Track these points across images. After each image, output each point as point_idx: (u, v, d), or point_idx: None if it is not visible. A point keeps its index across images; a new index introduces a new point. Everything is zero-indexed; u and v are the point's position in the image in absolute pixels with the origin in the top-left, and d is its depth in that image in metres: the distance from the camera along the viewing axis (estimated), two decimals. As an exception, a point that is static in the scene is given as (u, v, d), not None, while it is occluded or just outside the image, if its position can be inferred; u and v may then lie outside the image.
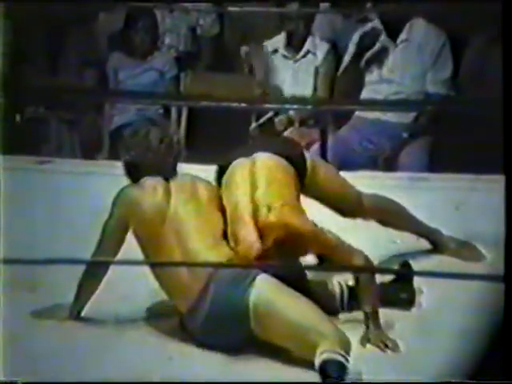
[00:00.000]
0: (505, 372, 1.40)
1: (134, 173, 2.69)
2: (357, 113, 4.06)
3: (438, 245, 3.00)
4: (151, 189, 2.60)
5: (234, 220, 2.60)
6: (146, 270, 2.59)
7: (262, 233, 2.56)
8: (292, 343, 2.44)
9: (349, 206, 2.85)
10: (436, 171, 3.84)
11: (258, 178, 2.67)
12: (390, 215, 2.92)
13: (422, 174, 3.84)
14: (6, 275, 2.69)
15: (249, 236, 2.54)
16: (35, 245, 2.79)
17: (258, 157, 2.73)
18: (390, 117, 4.05)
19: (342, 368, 2.31)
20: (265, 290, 2.47)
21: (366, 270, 2.67)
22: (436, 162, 4.01)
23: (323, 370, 2.32)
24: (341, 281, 2.71)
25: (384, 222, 2.93)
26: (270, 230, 2.56)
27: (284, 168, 2.72)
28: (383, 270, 2.75)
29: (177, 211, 2.57)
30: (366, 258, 2.56)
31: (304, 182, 2.77)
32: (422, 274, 2.81)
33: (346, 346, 2.36)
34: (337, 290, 2.69)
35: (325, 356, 2.33)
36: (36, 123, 4.23)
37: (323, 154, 4.07)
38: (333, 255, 2.56)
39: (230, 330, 2.49)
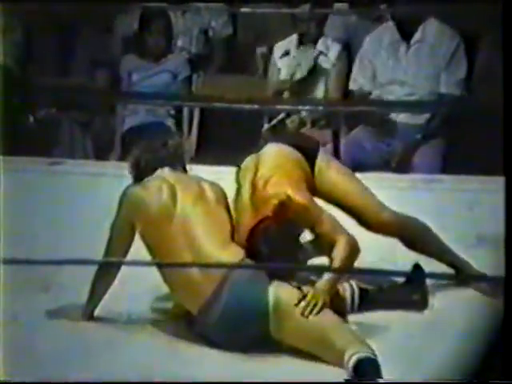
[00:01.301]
0: (505, 372, 1.39)
1: (140, 170, 2.69)
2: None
3: (458, 270, 2.81)
4: (156, 188, 2.59)
5: (237, 207, 2.60)
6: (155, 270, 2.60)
7: (258, 206, 2.55)
8: (316, 348, 2.43)
9: (365, 214, 2.72)
10: (449, 172, 3.82)
11: (261, 162, 2.67)
12: (414, 236, 2.77)
13: (436, 176, 3.82)
14: (19, 275, 2.71)
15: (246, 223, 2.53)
16: (47, 245, 2.79)
17: (266, 147, 2.73)
18: (403, 118, 4.04)
19: (376, 365, 2.32)
20: (284, 290, 2.46)
21: (374, 272, 2.67)
22: (449, 164, 3.99)
23: (358, 369, 2.32)
24: (352, 282, 2.70)
25: (407, 243, 2.79)
26: (265, 203, 2.54)
27: (291, 155, 2.69)
28: (393, 273, 2.73)
29: (184, 211, 2.56)
30: (353, 241, 2.54)
31: (314, 178, 2.72)
32: (436, 276, 2.78)
33: (368, 346, 2.38)
34: (348, 291, 2.67)
35: (357, 357, 2.33)
36: (48, 124, 4.24)
37: (336, 155, 4.05)
38: (320, 230, 2.56)
39: (247, 331, 2.48)
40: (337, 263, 2.52)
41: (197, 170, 2.83)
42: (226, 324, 2.49)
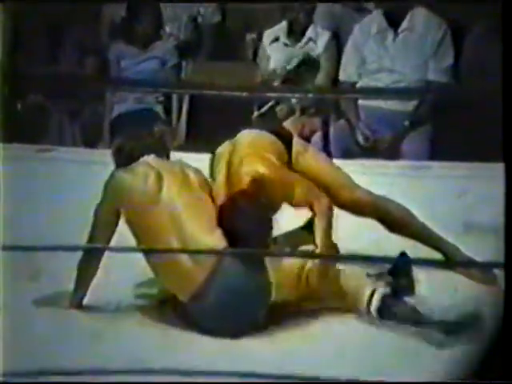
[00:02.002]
0: (505, 372, 1.40)
1: (124, 156, 2.69)
2: (358, 101, 4.06)
3: (449, 259, 2.83)
4: (142, 174, 2.59)
5: (213, 191, 2.63)
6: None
7: (232, 185, 2.59)
8: (330, 300, 2.52)
9: (339, 192, 2.76)
10: (437, 159, 3.84)
11: (236, 145, 2.72)
12: (391, 217, 2.81)
13: (424, 163, 3.83)
14: (8, 264, 2.70)
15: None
16: (36, 233, 2.79)
17: (240, 133, 2.77)
18: (391, 105, 4.05)
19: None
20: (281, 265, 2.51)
21: (361, 259, 2.68)
22: (437, 150, 4.01)
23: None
24: (379, 288, 2.60)
25: (386, 224, 2.82)
26: (239, 181, 2.59)
27: (266, 138, 2.74)
28: (382, 259, 2.74)
29: (170, 197, 2.56)
30: (329, 203, 2.59)
31: (292, 164, 2.77)
32: (422, 262, 2.78)
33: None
34: (366, 294, 2.58)
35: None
36: (37, 112, 4.23)
37: (325, 142, 4.07)
38: (296, 199, 2.61)
39: (242, 316, 2.50)
40: (319, 230, 2.57)
41: (186, 157, 2.82)
42: (221, 310, 2.50)
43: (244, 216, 2.54)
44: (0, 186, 2.92)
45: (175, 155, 3.07)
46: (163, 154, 2.72)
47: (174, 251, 2.56)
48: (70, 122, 4.29)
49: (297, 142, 2.81)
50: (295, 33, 4.20)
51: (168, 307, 2.62)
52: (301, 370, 2.27)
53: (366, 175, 3.42)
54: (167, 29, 4.44)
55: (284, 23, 4.22)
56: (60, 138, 4.21)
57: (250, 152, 2.67)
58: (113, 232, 2.58)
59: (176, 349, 2.48)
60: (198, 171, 2.67)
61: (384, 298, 2.55)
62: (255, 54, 4.30)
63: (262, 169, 2.62)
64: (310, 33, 4.20)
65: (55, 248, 2.50)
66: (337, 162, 3.39)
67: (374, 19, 4.11)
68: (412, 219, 2.83)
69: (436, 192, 3.30)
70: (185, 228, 2.53)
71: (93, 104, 4.35)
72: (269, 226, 2.58)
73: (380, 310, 2.54)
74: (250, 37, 4.35)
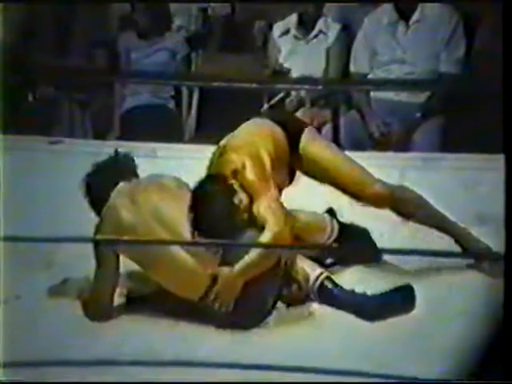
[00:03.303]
0: (505, 372, 1.39)
1: (94, 195, 2.69)
2: (370, 93, 4.05)
3: (464, 249, 2.80)
4: (116, 208, 2.60)
5: None
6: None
7: (218, 169, 2.62)
8: None
9: (355, 186, 2.76)
10: (449, 151, 3.82)
11: (234, 134, 2.74)
12: (407, 205, 2.80)
13: (436, 154, 3.82)
14: (19, 254, 2.71)
15: None
16: (46, 223, 2.80)
17: (244, 123, 2.79)
18: (402, 97, 4.04)
19: None
20: None
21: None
22: (449, 142, 3.99)
23: None
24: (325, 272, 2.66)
25: (402, 213, 2.81)
26: (225, 166, 2.62)
27: (266, 129, 2.73)
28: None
29: (152, 206, 2.59)
30: (277, 235, 2.56)
31: (298, 153, 2.76)
32: (422, 253, 2.76)
33: None
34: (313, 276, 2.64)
35: None
36: (48, 103, 4.24)
37: (335, 134, 4.06)
38: (256, 210, 2.60)
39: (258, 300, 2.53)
40: (252, 255, 2.53)
41: (196, 149, 2.83)
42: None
43: (213, 198, 2.54)
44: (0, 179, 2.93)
45: (186, 148, 3.08)
46: (131, 176, 2.71)
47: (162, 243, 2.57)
48: (80, 113, 4.29)
49: (306, 136, 2.78)
50: (305, 25, 4.19)
51: (171, 300, 2.62)
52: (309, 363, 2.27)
53: (377, 167, 3.41)
54: (177, 21, 4.43)
55: (294, 16, 4.21)
56: (71, 129, 4.22)
57: (243, 144, 2.67)
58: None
59: (186, 340, 2.49)
60: (171, 177, 2.70)
61: (326, 281, 2.60)
62: (265, 46, 4.29)
63: (247, 162, 2.61)
64: (320, 25, 4.19)
65: (65, 239, 2.51)
66: (347, 153, 3.38)
67: (385, 11, 4.09)
68: (427, 206, 2.83)
69: (448, 184, 3.28)
70: (172, 225, 2.54)
71: (103, 96, 4.35)
72: (237, 214, 2.57)
73: (320, 292, 2.58)
74: (259, 25, 4.33)
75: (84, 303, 2.62)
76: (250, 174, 2.60)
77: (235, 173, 2.61)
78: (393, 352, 2.40)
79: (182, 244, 2.62)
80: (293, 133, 2.77)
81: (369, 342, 2.48)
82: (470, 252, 2.77)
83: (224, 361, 2.31)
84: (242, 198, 2.59)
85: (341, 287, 2.63)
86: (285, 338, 2.51)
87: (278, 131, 2.75)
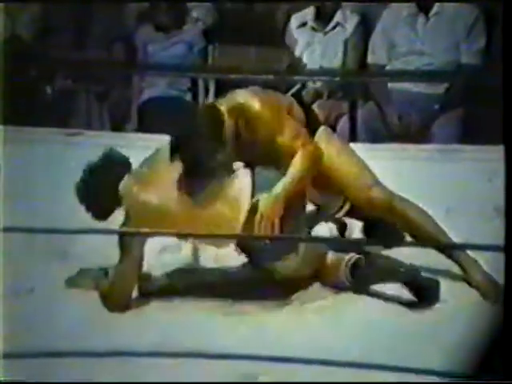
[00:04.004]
0: (505, 372, 1.38)
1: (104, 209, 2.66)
2: (388, 85, 4.03)
3: (463, 269, 2.70)
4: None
5: None
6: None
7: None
8: None
9: (353, 189, 2.68)
10: (468, 143, 3.79)
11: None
12: (408, 221, 2.68)
13: (454, 146, 3.79)
14: (36, 245, 2.73)
15: None
16: (63, 215, 2.81)
17: None
18: (421, 88, 4.02)
19: None
20: None
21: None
22: (467, 134, 3.96)
23: None
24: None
25: (403, 228, 2.71)
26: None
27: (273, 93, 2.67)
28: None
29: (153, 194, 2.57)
30: (311, 154, 2.55)
31: None
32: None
33: None
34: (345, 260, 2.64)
35: None
36: (66, 96, 4.26)
37: (352, 126, 4.04)
38: (281, 141, 2.56)
39: None
40: (289, 176, 2.51)
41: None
42: None
43: (202, 126, 2.50)
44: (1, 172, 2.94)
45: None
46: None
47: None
48: (98, 105, 4.31)
49: (324, 131, 2.73)
50: (323, 17, 4.18)
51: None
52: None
53: (395, 159, 3.39)
54: (193, 13, 4.43)
55: (312, 7, 4.19)
56: (88, 121, 4.24)
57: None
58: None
59: (202, 332, 2.49)
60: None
61: (358, 260, 2.60)
62: (282, 37, 4.27)
63: (255, 104, 2.55)
64: (338, 17, 4.17)
65: (81, 231, 2.52)
66: (364, 146, 3.37)
67: (404, 3, 4.07)
68: (429, 224, 2.69)
69: (467, 176, 3.26)
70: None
71: (121, 88, 4.37)
72: (221, 150, 2.53)
73: (353, 270, 2.58)
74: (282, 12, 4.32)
75: (103, 293, 2.62)
76: (260, 110, 2.54)
77: (235, 110, 2.55)
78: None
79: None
80: (308, 129, 2.71)
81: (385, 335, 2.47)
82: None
83: (240, 352, 2.30)
84: (231, 129, 2.53)
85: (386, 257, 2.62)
86: (304, 330, 2.50)
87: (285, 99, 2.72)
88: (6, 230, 2.24)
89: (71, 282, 2.70)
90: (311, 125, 2.72)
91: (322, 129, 2.73)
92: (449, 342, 2.30)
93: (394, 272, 2.60)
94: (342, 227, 2.81)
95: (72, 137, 3.74)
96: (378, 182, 2.71)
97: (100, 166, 2.65)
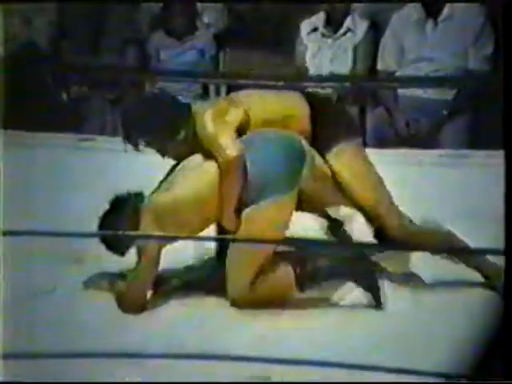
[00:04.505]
0: (505, 372, 1.39)
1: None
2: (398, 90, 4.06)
3: (489, 278, 2.68)
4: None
5: None
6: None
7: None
8: None
9: (365, 213, 2.67)
10: (477, 147, 3.81)
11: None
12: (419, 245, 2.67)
13: (463, 151, 3.81)
14: (51, 248, 2.77)
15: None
16: (77, 219, 2.85)
17: None
18: (430, 94, 4.04)
19: None
20: None
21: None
22: (476, 139, 3.98)
23: None
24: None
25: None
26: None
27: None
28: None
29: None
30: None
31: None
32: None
33: None
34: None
35: None
36: (80, 102, 4.31)
37: (362, 131, 4.06)
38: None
39: None
40: None
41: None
42: None
43: None
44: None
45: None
46: None
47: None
48: (111, 111, 4.36)
49: (339, 149, 2.67)
50: (333, 23, 4.21)
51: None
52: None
53: (404, 164, 3.40)
54: (204, 19, 4.47)
55: (322, 13, 4.22)
56: (101, 126, 4.28)
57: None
58: None
59: (214, 333, 2.51)
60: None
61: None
62: (293, 43, 4.31)
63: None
64: (348, 23, 4.20)
65: (95, 234, 2.56)
66: (373, 150, 3.37)
67: (413, 8, 4.09)
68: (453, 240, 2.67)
69: (475, 180, 3.28)
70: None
71: (133, 94, 4.41)
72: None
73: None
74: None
75: (119, 295, 2.65)
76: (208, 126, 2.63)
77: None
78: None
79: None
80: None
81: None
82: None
83: (248, 354, 2.32)
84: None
85: None
86: (315, 331, 2.51)
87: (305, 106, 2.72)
88: (28, 233, 2.28)
89: (86, 285, 2.74)
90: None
91: (337, 147, 2.68)
92: (449, 341, 2.30)
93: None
94: (337, 225, 2.78)
95: (84, 142, 3.79)
96: (392, 209, 2.68)
97: (117, 209, 2.70)
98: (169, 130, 2.69)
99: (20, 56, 3.98)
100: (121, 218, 2.65)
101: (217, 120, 2.64)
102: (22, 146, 3.27)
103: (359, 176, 2.67)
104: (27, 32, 4.26)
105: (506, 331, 1.41)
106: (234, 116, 2.66)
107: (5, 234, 1.92)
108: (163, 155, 2.72)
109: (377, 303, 2.62)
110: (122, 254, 2.69)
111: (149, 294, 2.67)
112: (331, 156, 2.67)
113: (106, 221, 2.69)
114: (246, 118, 2.66)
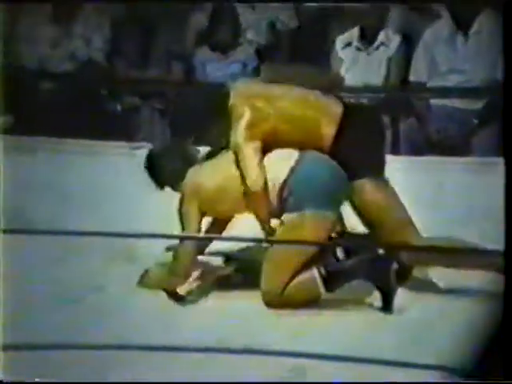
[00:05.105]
0: (505, 372, 1.42)
1: None
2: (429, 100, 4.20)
3: None
4: None
5: None
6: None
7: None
8: None
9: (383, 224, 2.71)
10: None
11: None
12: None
13: (493, 158, 3.84)
14: (105, 248, 2.96)
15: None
16: (127, 219, 3.05)
17: None
18: (460, 104, 4.15)
19: None
20: None
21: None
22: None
23: None
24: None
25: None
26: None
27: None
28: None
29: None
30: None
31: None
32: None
33: None
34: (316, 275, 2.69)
35: None
36: (132, 112, 4.57)
37: (394, 140, 4.21)
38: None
39: None
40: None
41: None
42: None
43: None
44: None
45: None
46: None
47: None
48: (160, 121, 4.60)
49: (365, 182, 2.74)
50: (367, 37, 4.34)
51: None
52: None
53: (435, 171, 3.51)
54: (248, 35, 4.67)
55: (356, 28, 4.36)
56: (151, 135, 4.52)
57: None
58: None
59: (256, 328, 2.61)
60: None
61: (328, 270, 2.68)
62: (328, 57, 4.47)
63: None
64: (381, 37, 4.33)
65: (147, 235, 2.74)
66: (406, 158, 3.50)
67: (444, 23, 4.21)
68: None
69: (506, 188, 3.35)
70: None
71: (181, 104, 4.63)
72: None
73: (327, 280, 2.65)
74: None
75: (168, 269, 2.79)
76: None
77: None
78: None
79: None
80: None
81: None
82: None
83: (277, 349, 2.39)
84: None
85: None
86: (342, 328, 2.60)
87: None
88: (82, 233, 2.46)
89: (137, 282, 2.88)
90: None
91: (363, 180, 2.73)
92: (449, 342, 2.32)
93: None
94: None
95: (137, 150, 4.00)
96: (414, 235, 2.72)
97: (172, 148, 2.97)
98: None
99: (82, 72, 4.25)
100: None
101: (247, 132, 2.76)
102: (83, 154, 3.49)
103: (384, 213, 2.72)
104: (87, 51, 4.52)
105: (506, 331, 1.44)
106: (263, 128, 2.79)
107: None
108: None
109: (386, 307, 2.64)
110: (162, 187, 2.87)
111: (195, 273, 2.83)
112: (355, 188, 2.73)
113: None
114: (273, 126, 2.80)
